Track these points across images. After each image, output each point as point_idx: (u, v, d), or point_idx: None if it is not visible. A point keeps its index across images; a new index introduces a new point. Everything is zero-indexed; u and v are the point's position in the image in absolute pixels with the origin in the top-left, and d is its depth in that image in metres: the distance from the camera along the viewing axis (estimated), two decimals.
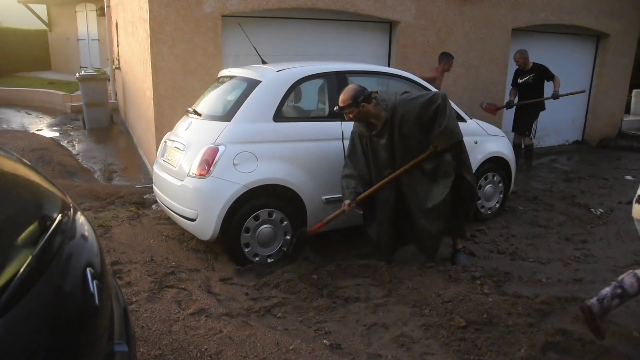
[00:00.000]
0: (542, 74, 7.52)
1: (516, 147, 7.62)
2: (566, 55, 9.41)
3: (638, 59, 11.34)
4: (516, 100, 7.73)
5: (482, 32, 8.20)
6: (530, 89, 7.55)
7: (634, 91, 11.98)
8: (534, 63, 7.55)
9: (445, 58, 7.05)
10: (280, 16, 6.71)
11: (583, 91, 7.88)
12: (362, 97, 3.94)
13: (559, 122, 9.68)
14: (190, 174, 4.11)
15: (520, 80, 7.62)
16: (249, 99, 4.27)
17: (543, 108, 7.68)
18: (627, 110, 11.68)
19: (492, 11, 8.20)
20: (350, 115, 4.02)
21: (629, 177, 7.54)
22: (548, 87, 7.63)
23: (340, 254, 4.50)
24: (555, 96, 7.43)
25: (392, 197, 4.16)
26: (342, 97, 4.00)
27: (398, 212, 4.20)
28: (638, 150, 9.69)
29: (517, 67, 7.70)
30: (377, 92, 4.06)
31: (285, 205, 4.26)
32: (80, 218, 1.91)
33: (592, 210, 5.91)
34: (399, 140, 4.06)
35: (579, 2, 9.00)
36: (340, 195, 4.45)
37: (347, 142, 4.46)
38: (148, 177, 6.71)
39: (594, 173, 7.75)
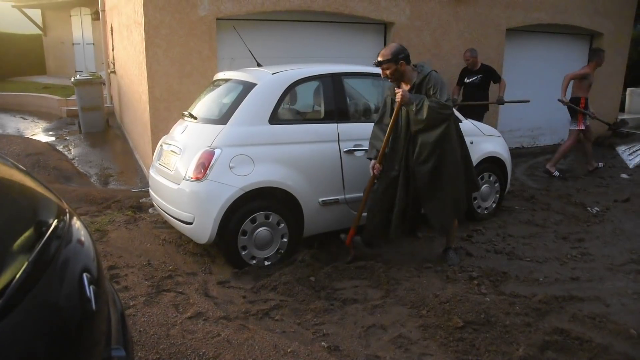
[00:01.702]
0: (490, 75, 7.41)
1: None
2: (560, 54, 9.44)
3: (632, 58, 11.39)
4: (460, 99, 7.58)
5: (477, 33, 8.22)
6: (476, 90, 7.40)
7: (628, 89, 12.05)
8: (482, 64, 7.46)
9: (596, 54, 6.99)
10: (275, 19, 6.72)
11: (528, 101, 7.77)
12: (402, 55, 4.03)
13: (554, 121, 9.71)
14: (187, 177, 4.11)
15: (467, 80, 7.49)
16: (245, 102, 4.27)
17: (487, 109, 7.59)
18: (622, 109, 11.74)
19: (486, 11, 8.23)
20: (387, 72, 4.05)
21: (624, 176, 7.56)
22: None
23: (337, 256, 4.50)
24: (500, 102, 7.38)
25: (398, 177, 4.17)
26: (382, 51, 4.05)
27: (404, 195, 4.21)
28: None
29: (465, 66, 7.55)
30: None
31: (282, 207, 4.26)
32: (77, 223, 1.90)
33: (589, 209, 5.92)
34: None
35: (573, 2, 9.04)
36: (337, 198, 4.47)
37: (343, 144, 4.47)
38: (144, 181, 6.70)
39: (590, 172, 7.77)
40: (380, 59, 4.03)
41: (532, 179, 7.41)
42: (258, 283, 3.89)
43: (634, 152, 8.82)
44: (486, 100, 7.40)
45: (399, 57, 4.01)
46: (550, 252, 4.72)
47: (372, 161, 4.19)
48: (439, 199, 4.12)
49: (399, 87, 4.11)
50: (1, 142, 8.87)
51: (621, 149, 9.01)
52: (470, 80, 7.47)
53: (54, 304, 1.43)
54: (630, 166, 8.11)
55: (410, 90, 4.07)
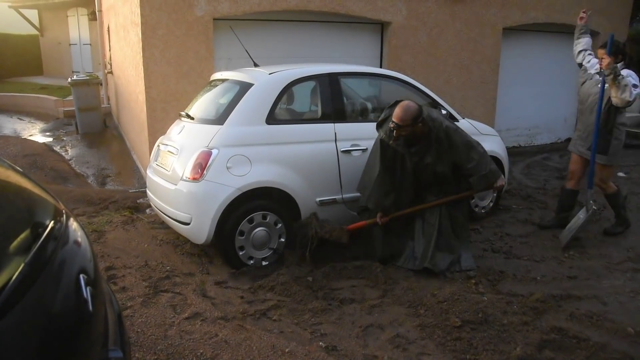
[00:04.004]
0: None
1: None
2: (556, 53, 9.45)
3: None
4: None
5: (473, 32, 8.23)
6: None
7: None
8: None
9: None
10: (272, 19, 6.71)
11: None
12: (420, 117, 3.95)
13: (551, 120, 9.73)
14: (184, 177, 4.11)
15: None
16: (242, 102, 4.26)
17: None
18: None
19: (482, 11, 8.24)
20: (402, 133, 3.98)
21: (621, 174, 7.57)
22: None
23: (334, 256, 4.49)
24: None
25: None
26: (402, 115, 3.93)
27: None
28: (630, 146, 9.74)
29: None
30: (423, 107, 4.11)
31: (279, 207, 4.26)
32: (73, 224, 1.90)
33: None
34: (430, 164, 4.12)
35: (569, 1, 9.04)
36: (335, 198, 4.46)
37: (340, 144, 4.46)
38: (142, 182, 6.69)
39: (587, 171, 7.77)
40: (399, 122, 3.92)
41: (530, 178, 7.42)
42: (255, 283, 3.89)
43: None
44: None
45: (417, 121, 3.95)
46: (548, 251, 4.73)
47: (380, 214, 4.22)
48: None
49: (407, 142, 4.09)
50: None
51: None
52: None
53: (51, 306, 1.43)
54: None
55: (422, 147, 4.10)
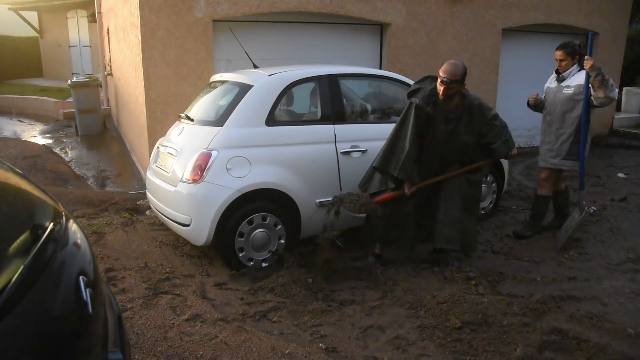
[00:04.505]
0: None
1: None
2: None
3: (627, 58, 11.42)
4: None
5: (473, 33, 8.24)
6: None
7: (625, 89, 12.07)
8: None
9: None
10: (271, 20, 6.72)
11: None
12: (465, 75, 3.96)
13: None
14: (184, 179, 4.11)
15: None
16: (241, 104, 4.26)
17: None
18: (618, 108, 11.77)
19: (482, 12, 8.24)
20: (451, 91, 3.93)
21: (621, 175, 7.58)
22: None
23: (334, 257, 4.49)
24: None
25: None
26: (452, 70, 3.87)
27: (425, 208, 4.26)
28: (630, 147, 9.75)
29: None
30: None
31: (279, 209, 4.26)
32: (73, 226, 1.90)
33: (585, 208, 5.92)
34: (461, 133, 4.11)
35: (568, 2, 9.06)
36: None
37: (339, 145, 4.46)
38: (141, 183, 6.69)
39: (586, 171, 7.75)
40: (451, 77, 3.86)
41: (529, 179, 7.42)
42: (255, 285, 3.89)
43: None
44: None
45: (464, 78, 3.94)
46: (547, 251, 4.73)
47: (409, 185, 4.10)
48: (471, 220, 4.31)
49: (444, 105, 4.02)
50: None
51: None
52: None
53: (50, 307, 1.43)
54: None
55: (456, 114, 4.07)
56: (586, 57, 4.49)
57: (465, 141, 4.17)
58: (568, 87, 4.71)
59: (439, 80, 3.94)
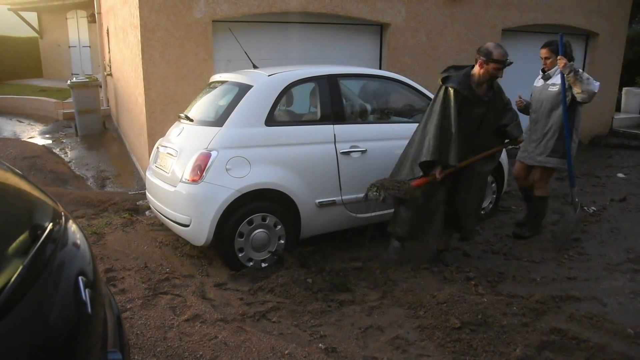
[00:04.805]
0: None
1: None
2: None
3: (627, 58, 11.42)
4: None
5: (473, 33, 8.24)
6: None
7: (624, 89, 12.08)
8: None
9: None
10: (271, 20, 6.72)
11: None
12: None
13: None
14: (183, 179, 4.10)
15: None
16: (241, 104, 4.26)
17: None
18: (618, 108, 11.77)
19: (481, 12, 8.25)
20: (499, 73, 4.01)
21: (620, 175, 7.58)
22: None
23: (334, 257, 4.50)
24: None
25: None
26: (503, 51, 3.97)
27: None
28: (629, 147, 9.76)
29: None
30: None
31: (279, 209, 4.26)
32: (72, 226, 1.90)
33: (585, 208, 5.93)
34: (487, 116, 4.14)
35: (568, 2, 9.06)
36: (334, 199, 4.45)
37: (339, 145, 4.46)
38: (141, 184, 6.69)
39: (586, 171, 7.79)
40: (507, 58, 3.97)
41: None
42: (255, 285, 3.88)
43: None
44: None
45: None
46: (547, 252, 4.73)
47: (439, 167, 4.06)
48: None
49: (478, 88, 4.08)
50: None
51: None
52: None
53: (50, 308, 1.43)
54: None
55: (486, 96, 4.11)
56: (559, 57, 4.57)
57: (494, 124, 4.23)
58: (554, 84, 4.75)
59: (491, 65, 3.95)
